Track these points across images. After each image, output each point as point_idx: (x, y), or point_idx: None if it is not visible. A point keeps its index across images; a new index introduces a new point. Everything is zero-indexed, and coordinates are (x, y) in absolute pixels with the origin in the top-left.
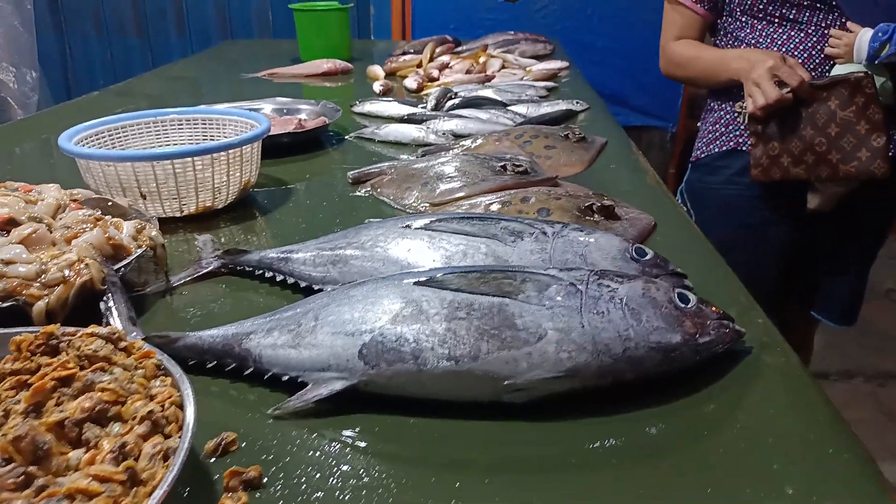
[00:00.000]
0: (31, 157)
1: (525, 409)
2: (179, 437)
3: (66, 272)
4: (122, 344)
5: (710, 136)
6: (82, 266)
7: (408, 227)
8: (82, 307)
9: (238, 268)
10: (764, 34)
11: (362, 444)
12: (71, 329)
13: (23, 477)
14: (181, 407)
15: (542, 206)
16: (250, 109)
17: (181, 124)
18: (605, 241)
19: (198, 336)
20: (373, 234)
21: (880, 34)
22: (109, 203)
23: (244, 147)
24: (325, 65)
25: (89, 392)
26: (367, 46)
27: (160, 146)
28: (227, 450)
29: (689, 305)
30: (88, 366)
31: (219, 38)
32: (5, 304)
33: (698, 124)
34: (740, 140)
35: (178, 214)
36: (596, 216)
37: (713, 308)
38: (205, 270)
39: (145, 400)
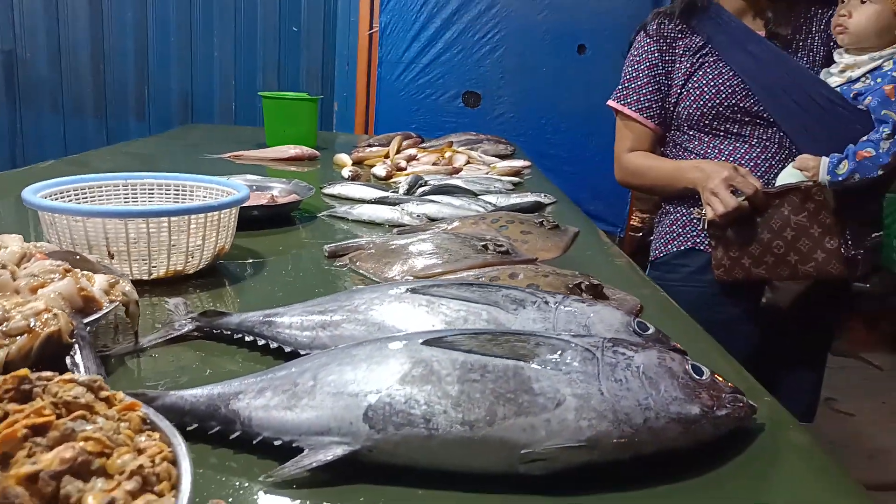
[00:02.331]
0: None
1: (540, 483)
2: (174, 497)
3: (32, 321)
4: (104, 394)
5: (667, 236)
6: (49, 316)
7: (405, 291)
8: (46, 362)
9: (214, 331)
10: (711, 146)
11: None
12: (47, 373)
13: None
14: (173, 463)
15: (531, 282)
16: None
17: (152, 190)
18: (608, 314)
19: (178, 395)
20: (367, 297)
21: (835, 159)
22: (77, 257)
23: (222, 212)
24: (291, 150)
25: (70, 441)
26: (331, 137)
27: None
28: None
29: (704, 377)
30: (66, 414)
31: (179, 124)
32: None
33: (654, 224)
34: (697, 240)
35: (145, 277)
36: (584, 295)
37: (725, 382)
38: (178, 333)
39: (133, 454)
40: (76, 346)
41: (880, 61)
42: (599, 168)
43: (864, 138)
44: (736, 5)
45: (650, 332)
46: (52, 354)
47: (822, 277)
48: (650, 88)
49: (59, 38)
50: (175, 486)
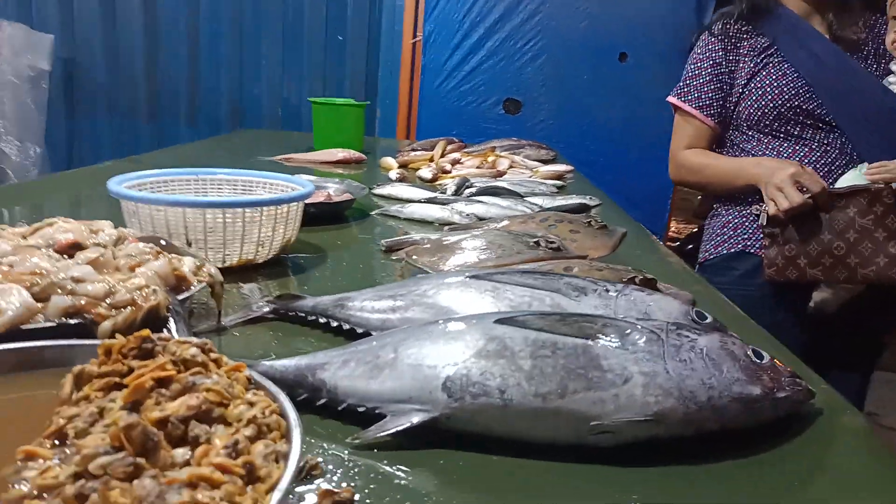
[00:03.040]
0: (59, 212)
1: (607, 454)
2: (286, 443)
3: (135, 295)
4: (213, 355)
5: (717, 238)
6: (149, 291)
7: (470, 277)
8: None
9: (289, 313)
10: (770, 147)
11: (451, 477)
12: (165, 335)
13: (132, 468)
14: (281, 416)
15: (587, 276)
16: None
17: (221, 185)
18: (666, 303)
19: (269, 365)
20: (434, 283)
21: None
22: (163, 242)
23: (290, 205)
24: (339, 153)
25: (192, 392)
26: (374, 142)
27: None
28: (311, 473)
29: (765, 361)
30: (185, 370)
31: (228, 129)
32: (73, 321)
33: (704, 224)
34: (748, 242)
35: (219, 265)
36: None
37: (784, 366)
38: (256, 314)
39: (247, 405)
40: (172, 319)
41: None
42: (639, 176)
43: None
44: (799, 7)
45: (708, 321)
46: (150, 327)
47: (882, 282)
48: (712, 87)
49: (116, 45)
50: (284, 436)
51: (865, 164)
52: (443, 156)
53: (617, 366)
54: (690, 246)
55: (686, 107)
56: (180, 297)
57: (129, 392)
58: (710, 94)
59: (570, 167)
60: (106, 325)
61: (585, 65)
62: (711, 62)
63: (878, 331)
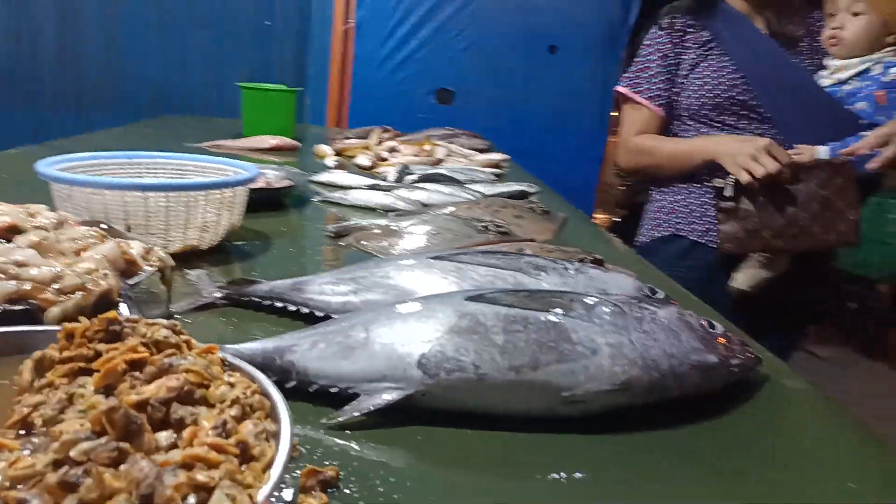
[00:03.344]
0: None
1: (576, 424)
2: (273, 422)
3: (85, 279)
4: (183, 337)
5: (652, 222)
6: (100, 275)
7: (434, 258)
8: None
9: (243, 299)
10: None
11: (428, 452)
12: (133, 316)
13: (116, 453)
14: (263, 395)
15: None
16: None
17: (156, 169)
18: (622, 280)
19: (234, 349)
20: (396, 264)
21: (836, 150)
22: (104, 226)
23: (236, 189)
24: (271, 140)
25: (169, 374)
26: (304, 130)
27: None
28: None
29: (717, 331)
30: (157, 352)
31: (149, 116)
32: (17, 308)
33: (627, 214)
34: (679, 226)
35: None
36: None
37: (735, 336)
38: (206, 300)
39: (228, 386)
40: (124, 304)
41: (869, 63)
42: (568, 166)
43: (861, 134)
44: (740, 5)
45: (660, 295)
46: (102, 313)
47: (843, 246)
48: (661, 78)
49: (20, 27)
50: (269, 415)
51: None
52: (378, 144)
53: (585, 338)
54: (615, 235)
55: (637, 97)
56: (131, 281)
57: (100, 376)
58: (659, 85)
59: (506, 156)
60: (55, 311)
61: (517, 56)
62: (660, 54)
63: (805, 304)
